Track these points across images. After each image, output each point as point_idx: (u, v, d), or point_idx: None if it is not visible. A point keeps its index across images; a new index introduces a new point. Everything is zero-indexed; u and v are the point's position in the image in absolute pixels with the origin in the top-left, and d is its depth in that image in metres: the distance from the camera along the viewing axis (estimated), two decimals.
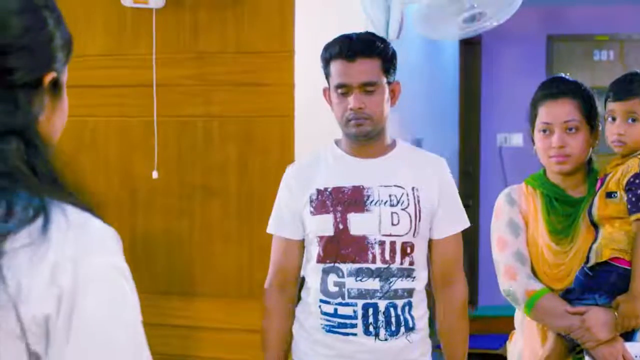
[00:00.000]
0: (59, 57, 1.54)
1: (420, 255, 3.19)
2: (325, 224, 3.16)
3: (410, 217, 3.14)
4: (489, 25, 4.76)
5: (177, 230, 4.23)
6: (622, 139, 3.07)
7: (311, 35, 4.10)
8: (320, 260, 3.18)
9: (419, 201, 3.16)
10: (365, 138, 3.16)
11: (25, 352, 1.35)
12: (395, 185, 3.17)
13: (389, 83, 3.16)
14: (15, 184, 1.38)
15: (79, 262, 1.37)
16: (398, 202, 3.15)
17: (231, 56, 4.11)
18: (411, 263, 3.16)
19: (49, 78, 1.50)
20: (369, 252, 3.12)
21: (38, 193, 1.39)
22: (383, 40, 3.21)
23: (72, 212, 1.42)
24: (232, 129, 4.13)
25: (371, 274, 3.12)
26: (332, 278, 3.16)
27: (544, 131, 3.15)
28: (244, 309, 4.10)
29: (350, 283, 3.12)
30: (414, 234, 3.15)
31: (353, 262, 3.12)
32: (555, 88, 3.20)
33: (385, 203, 3.14)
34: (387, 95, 3.15)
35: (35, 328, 1.34)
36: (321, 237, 3.17)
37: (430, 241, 3.24)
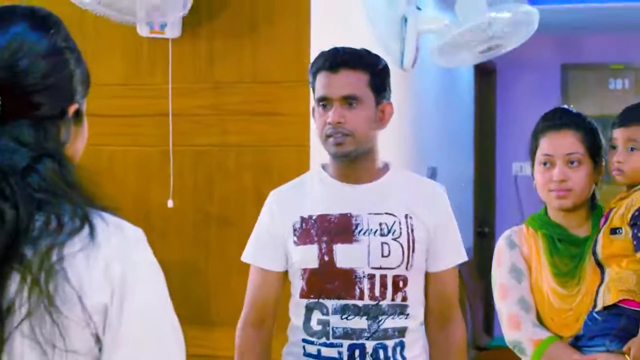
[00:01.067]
0: (79, 90, 1.78)
1: (415, 290, 2.91)
2: (309, 255, 2.87)
3: (402, 247, 2.86)
4: (503, 51, 4.78)
5: (193, 260, 4.23)
6: (621, 167, 2.93)
7: None
8: (304, 295, 2.90)
9: (412, 230, 2.87)
10: (348, 159, 2.89)
11: (92, 337, 1.62)
12: (386, 213, 2.88)
13: (378, 102, 2.90)
14: (58, 199, 1.63)
15: (124, 258, 1.66)
16: (389, 231, 2.86)
17: (247, 86, 4.12)
18: (404, 299, 2.87)
19: (72, 109, 1.75)
20: (356, 287, 2.83)
21: (78, 205, 1.66)
22: (375, 56, 2.97)
23: (107, 217, 1.72)
24: (247, 158, 4.13)
25: (358, 311, 2.83)
26: (316, 315, 2.88)
27: (545, 164, 3.00)
28: None
29: (335, 321, 2.84)
30: (407, 267, 2.86)
31: (338, 298, 2.84)
32: (558, 119, 3.04)
33: (375, 232, 2.85)
34: (373, 113, 2.88)
35: (97, 316, 1.61)
36: (305, 270, 2.89)
37: (426, 275, 2.96)
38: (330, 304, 2.84)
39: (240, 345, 3.07)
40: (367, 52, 2.96)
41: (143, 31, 4.07)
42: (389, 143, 4.45)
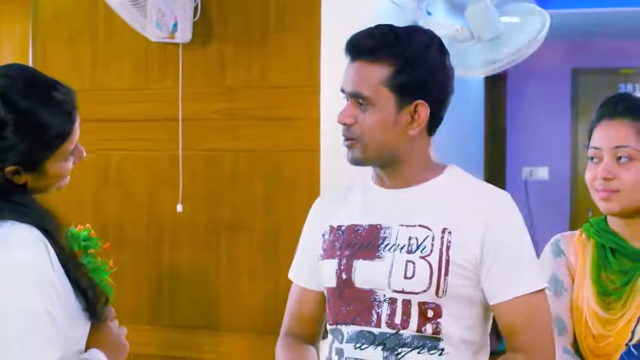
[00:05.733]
0: (18, 155, 2.09)
1: (456, 324, 2.30)
2: (328, 272, 2.41)
3: (431, 268, 2.28)
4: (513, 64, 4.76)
5: (203, 265, 4.22)
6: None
7: (337, 70, 4.09)
8: (328, 319, 2.46)
9: (447, 248, 2.28)
10: (363, 166, 2.41)
11: None
12: (419, 225, 2.32)
13: (403, 103, 2.30)
14: None
15: None
16: (418, 247, 2.30)
17: (257, 91, 4.12)
18: (436, 332, 2.28)
19: (8, 171, 2.09)
20: (373, 312, 2.32)
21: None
22: (407, 41, 2.32)
23: (6, 230, 2.05)
24: (258, 163, 4.13)
25: (373, 340, 2.33)
26: (334, 344, 2.42)
27: (592, 159, 2.50)
28: (270, 344, 4.07)
29: (349, 351, 2.35)
30: (437, 293, 2.27)
31: (353, 323, 2.35)
32: (612, 106, 2.51)
33: (401, 248, 2.31)
34: (392, 117, 2.30)
35: None
36: (328, 289, 2.44)
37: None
38: (346, 330, 2.37)
39: (276, 351, 2.64)
40: (399, 37, 2.33)
41: (154, 36, 4.07)
42: None
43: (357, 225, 2.40)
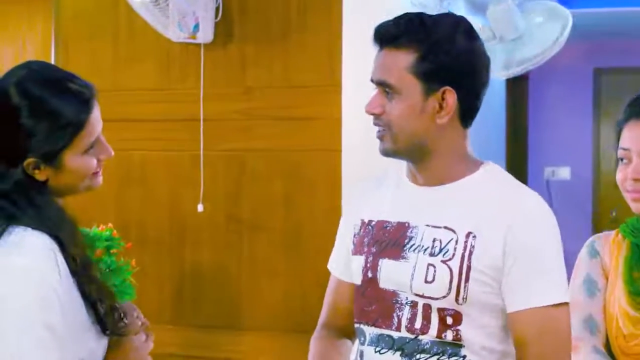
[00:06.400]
0: (38, 146, 2.10)
1: (476, 331, 2.20)
2: (357, 268, 2.34)
3: (451, 273, 2.18)
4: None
5: (224, 264, 4.23)
6: None
7: (358, 69, 4.10)
8: (354, 315, 2.38)
9: (470, 254, 2.17)
10: (394, 157, 2.31)
11: None
12: (445, 227, 2.22)
13: (429, 90, 2.21)
14: None
15: None
16: (440, 250, 2.20)
17: (278, 90, 4.12)
18: (457, 338, 2.19)
19: (28, 164, 2.11)
20: (394, 315, 2.24)
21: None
22: (431, 26, 2.23)
23: (17, 235, 2.07)
24: (279, 163, 4.13)
25: (392, 344, 2.25)
26: (357, 344, 2.36)
27: (621, 159, 2.42)
28: (291, 343, 4.08)
29: (369, 354, 2.29)
30: (457, 299, 2.17)
31: (375, 325, 2.28)
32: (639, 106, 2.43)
33: (425, 250, 2.22)
34: (419, 104, 2.21)
35: None
36: (355, 286, 2.38)
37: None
38: (368, 332, 2.30)
39: (310, 342, 2.53)
40: (424, 22, 2.24)
41: (175, 36, 4.08)
42: None
43: (386, 221, 2.32)
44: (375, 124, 2.27)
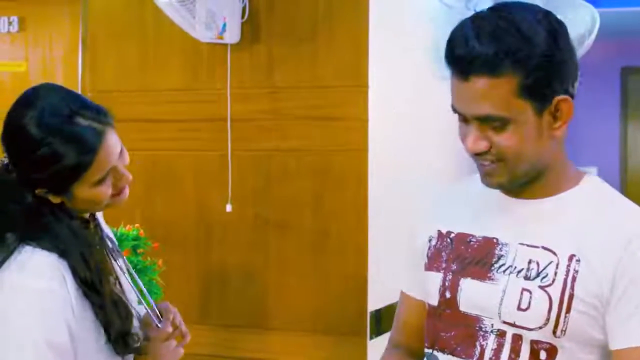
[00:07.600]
0: (50, 178, 2.12)
1: None
2: (431, 286, 2.10)
3: (550, 302, 1.90)
4: None
5: (252, 264, 4.23)
6: None
7: (385, 69, 4.10)
8: (425, 339, 2.14)
9: (574, 280, 1.90)
10: (499, 189, 2.04)
11: None
12: (543, 247, 1.95)
13: (542, 106, 1.92)
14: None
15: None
16: (538, 274, 1.93)
17: (306, 90, 4.12)
18: None
19: (39, 192, 2.14)
20: (477, 344, 1.98)
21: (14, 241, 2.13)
22: (531, 38, 1.87)
23: (27, 255, 2.10)
24: (306, 163, 4.13)
25: None
26: None
27: None
28: (318, 344, 4.08)
29: None
30: (555, 332, 1.90)
31: (452, 353, 2.03)
32: None
33: (518, 272, 1.95)
34: (534, 126, 1.92)
35: None
36: (429, 306, 2.13)
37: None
38: (443, 359, 2.06)
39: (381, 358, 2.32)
40: (515, 38, 1.88)
41: (202, 36, 4.09)
42: (440, 150, 4.44)
43: (470, 235, 2.07)
44: (479, 161, 1.99)
